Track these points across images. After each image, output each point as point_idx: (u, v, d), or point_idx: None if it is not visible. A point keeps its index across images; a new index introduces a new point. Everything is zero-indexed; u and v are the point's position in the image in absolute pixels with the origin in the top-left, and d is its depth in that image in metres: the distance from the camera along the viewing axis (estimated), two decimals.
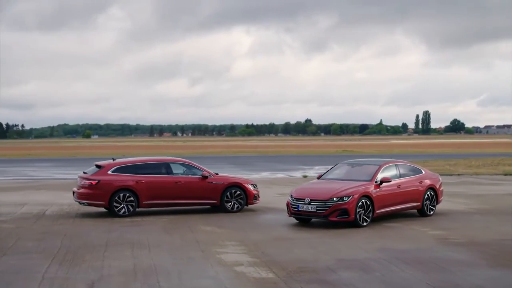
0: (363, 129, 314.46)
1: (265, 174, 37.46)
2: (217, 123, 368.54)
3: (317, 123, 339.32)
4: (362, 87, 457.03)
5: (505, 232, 15.41)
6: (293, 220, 17.18)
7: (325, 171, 18.77)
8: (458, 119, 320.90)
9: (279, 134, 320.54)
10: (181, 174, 19.18)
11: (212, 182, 19.17)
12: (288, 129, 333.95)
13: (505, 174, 36.03)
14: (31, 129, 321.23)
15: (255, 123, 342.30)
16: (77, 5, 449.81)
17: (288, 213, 16.92)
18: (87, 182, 18.35)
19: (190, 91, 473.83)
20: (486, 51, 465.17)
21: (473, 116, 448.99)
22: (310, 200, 16.19)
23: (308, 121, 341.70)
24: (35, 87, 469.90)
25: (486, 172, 37.48)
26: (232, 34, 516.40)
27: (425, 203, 18.08)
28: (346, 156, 52.37)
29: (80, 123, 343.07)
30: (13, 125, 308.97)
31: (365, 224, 16.15)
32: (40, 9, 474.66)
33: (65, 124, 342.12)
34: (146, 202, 18.57)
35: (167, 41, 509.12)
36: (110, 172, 18.50)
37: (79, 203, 18.80)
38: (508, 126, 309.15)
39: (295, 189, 17.28)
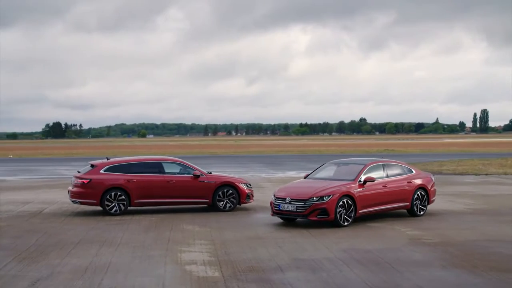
0: (419, 128, 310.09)
1: (291, 173, 37.26)
2: (272, 122, 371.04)
3: (372, 122, 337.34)
4: (420, 86, 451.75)
5: (487, 233, 15.12)
6: (279, 220, 17.16)
7: (312, 171, 18.69)
8: None
9: (333, 133, 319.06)
10: (173, 173, 19.35)
11: (204, 181, 19.29)
12: (342, 128, 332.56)
13: None
14: (89, 129, 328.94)
15: (309, 122, 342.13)
16: (137, 7, 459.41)
17: (271, 212, 16.93)
18: (79, 181, 18.71)
19: (246, 91, 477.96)
20: None
21: None
22: (291, 199, 16.16)
23: (362, 120, 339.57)
24: (94, 87, 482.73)
25: None
26: (289, 33, 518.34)
27: (414, 203, 17.85)
28: (386, 155, 51.88)
29: (137, 122, 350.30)
30: (71, 125, 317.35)
31: (346, 223, 16.04)
32: (100, 11, 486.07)
33: (122, 124, 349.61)
34: (137, 201, 18.83)
35: (224, 41, 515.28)
36: (102, 171, 18.82)
37: (72, 201, 19.19)
38: None
39: (279, 188, 17.28)
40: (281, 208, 16.36)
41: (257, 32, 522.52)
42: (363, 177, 16.65)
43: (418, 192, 17.97)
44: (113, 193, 18.57)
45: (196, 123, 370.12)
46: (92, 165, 19.21)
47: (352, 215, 16.21)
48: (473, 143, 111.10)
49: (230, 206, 19.41)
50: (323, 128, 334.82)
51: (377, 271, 11.06)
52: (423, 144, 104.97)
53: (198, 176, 19.28)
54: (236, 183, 19.62)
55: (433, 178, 18.92)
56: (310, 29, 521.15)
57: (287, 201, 16.20)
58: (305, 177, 18.09)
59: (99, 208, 19.16)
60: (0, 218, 18.20)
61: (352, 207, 16.19)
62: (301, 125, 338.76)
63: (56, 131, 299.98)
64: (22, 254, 12.78)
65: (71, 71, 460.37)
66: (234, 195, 19.44)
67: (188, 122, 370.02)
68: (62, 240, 14.39)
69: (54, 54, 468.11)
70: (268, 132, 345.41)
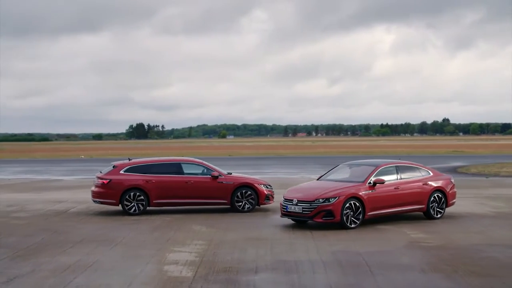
0: (505, 129, 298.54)
1: None
2: (353, 123, 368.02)
3: (456, 123, 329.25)
4: (509, 85, 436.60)
5: (494, 237, 14.64)
6: (290, 221, 17.08)
7: (325, 172, 18.53)
8: None
9: (415, 134, 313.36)
10: (192, 174, 19.57)
11: (222, 182, 19.42)
12: (425, 129, 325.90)
13: None
14: (172, 130, 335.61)
15: (390, 123, 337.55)
16: (222, 9, 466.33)
17: (280, 214, 16.89)
18: (100, 181, 19.21)
19: (328, 91, 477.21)
20: None
21: None
22: (298, 201, 16.09)
23: (445, 120, 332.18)
24: (178, 89, 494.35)
25: None
26: (373, 32, 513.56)
27: (431, 205, 17.43)
28: (454, 157, 50.81)
29: (219, 123, 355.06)
30: (154, 125, 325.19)
31: (353, 226, 15.84)
32: (186, 13, 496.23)
33: (204, 125, 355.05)
34: (156, 201, 19.15)
35: (308, 42, 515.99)
36: (122, 172, 19.24)
37: (94, 201, 19.69)
38: None
39: (288, 189, 17.23)
40: (288, 210, 16.31)
41: (340, 32, 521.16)
42: (373, 179, 16.39)
43: (435, 195, 17.54)
44: (132, 193, 18.95)
45: (277, 124, 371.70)
46: (113, 166, 19.65)
47: (360, 217, 15.98)
48: None
49: (249, 207, 19.47)
50: (404, 129, 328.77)
51: (351, 274, 10.92)
52: (499, 145, 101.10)
53: (217, 177, 19.42)
54: (255, 184, 19.66)
55: (452, 180, 18.42)
56: (394, 28, 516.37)
57: (294, 203, 16.14)
58: (317, 179, 17.96)
59: (120, 208, 19.57)
60: (23, 217, 18.84)
61: (360, 209, 15.96)
62: (382, 125, 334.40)
63: (139, 132, 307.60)
64: (19, 252, 13.24)
65: (156, 73, 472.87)
66: (252, 196, 19.49)
67: (269, 123, 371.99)
68: (65, 239, 14.80)
69: (141, 56, 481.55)
70: (349, 133, 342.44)
